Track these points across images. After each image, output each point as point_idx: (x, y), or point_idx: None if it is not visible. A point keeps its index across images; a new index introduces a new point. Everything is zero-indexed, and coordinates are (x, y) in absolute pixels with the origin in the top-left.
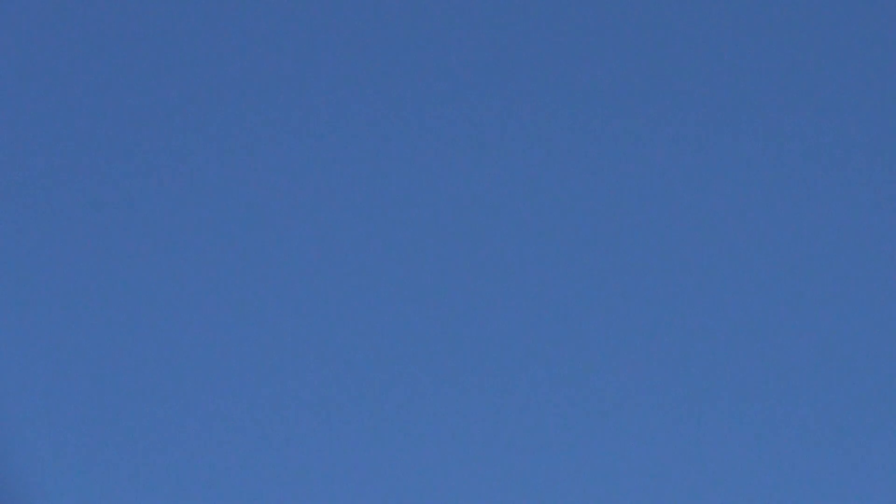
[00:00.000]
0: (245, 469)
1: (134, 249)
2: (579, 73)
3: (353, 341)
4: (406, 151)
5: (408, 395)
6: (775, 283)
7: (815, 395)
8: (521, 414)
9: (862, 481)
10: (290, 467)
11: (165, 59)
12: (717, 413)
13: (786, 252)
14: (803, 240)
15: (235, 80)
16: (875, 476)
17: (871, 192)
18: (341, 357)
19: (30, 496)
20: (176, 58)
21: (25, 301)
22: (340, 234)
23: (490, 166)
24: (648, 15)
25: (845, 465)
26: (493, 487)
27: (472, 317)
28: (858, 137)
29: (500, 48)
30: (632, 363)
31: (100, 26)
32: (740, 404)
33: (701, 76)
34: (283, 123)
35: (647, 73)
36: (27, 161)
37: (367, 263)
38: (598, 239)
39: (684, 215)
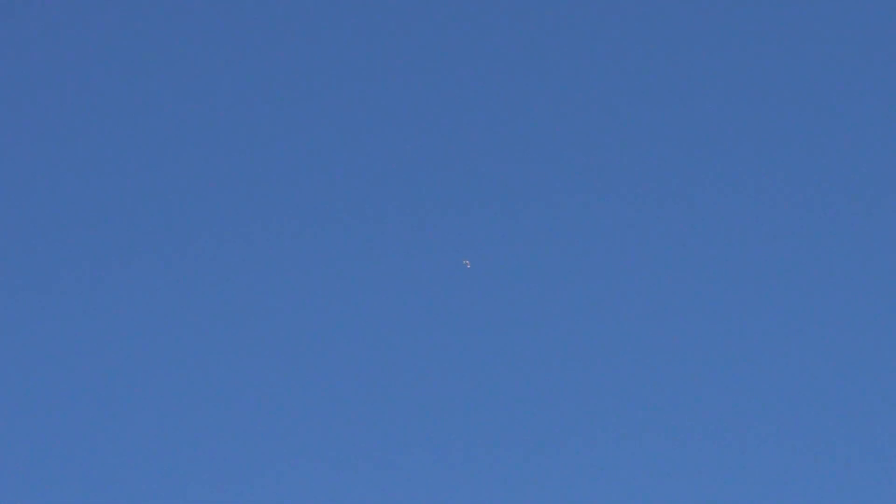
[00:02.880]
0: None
1: (133, 250)
2: (578, 77)
3: (352, 342)
4: (403, 154)
5: (408, 396)
6: (775, 285)
7: (813, 397)
8: (519, 415)
9: (861, 482)
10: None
11: (165, 60)
12: (716, 414)
13: (785, 255)
14: (802, 244)
15: (234, 81)
16: (875, 477)
17: (870, 193)
18: (340, 358)
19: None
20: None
21: (23, 301)
22: (339, 234)
23: (488, 167)
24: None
25: (844, 466)
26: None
27: (470, 319)
28: (858, 139)
29: (500, 51)
30: (630, 367)
31: (100, 27)
32: (739, 406)
33: (699, 79)
34: (282, 124)
35: (645, 76)
36: (27, 161)
37: (367, 262)
38: (595, 242)
39: (682, 218)
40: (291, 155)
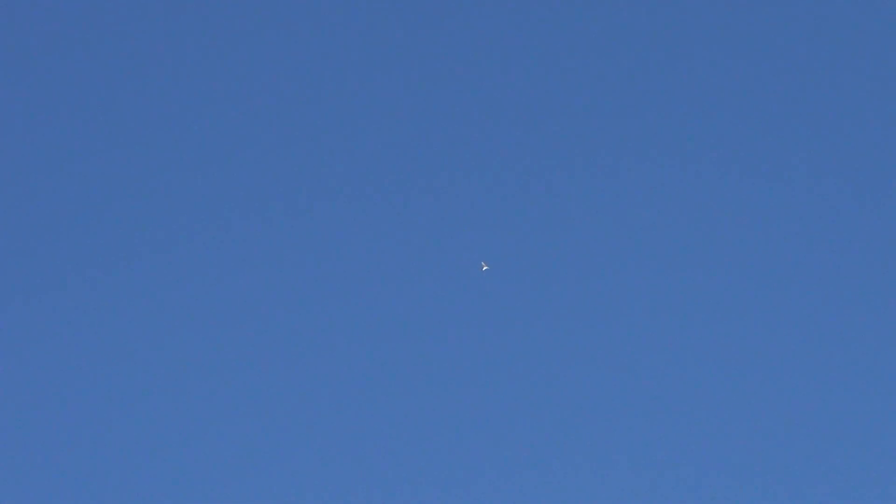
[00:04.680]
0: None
1: (134, 250)
2: (577, 80)
3: (351, 342)
4: (404, 153)
5: (408, 397)
6: (772, 285)
7: (813, 397)
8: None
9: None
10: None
11: (165, 61)
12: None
13: (784, 255)
14: (801, 243)
15: (234, 81)
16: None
17: (869, 193)
18: (340, 359)
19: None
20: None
21: (24, 301)
22: (339, 235)
23: (488, 169)
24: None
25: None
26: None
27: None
28: (856, 140)
29: (498, 53)
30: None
31: (101, 27)
32: (738, 406)
33: (698, 81)
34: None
35: (643, 79)
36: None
37: (366, 261)
38: (593, 241)
39: (679, 222)
40: (291, 157)
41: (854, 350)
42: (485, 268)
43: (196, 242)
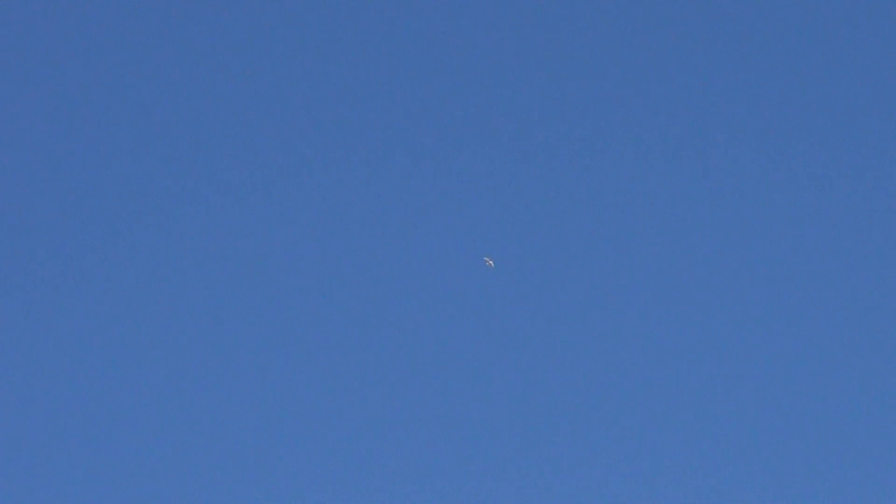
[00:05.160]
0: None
1: (134, 250)
2: (577, 79)
3: (350, 343)
4: (403, 153)
5: (408, 397)
6: (772, 284)
7: (812, 396)
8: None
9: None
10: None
11: (166, 61)
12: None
13: (783, 254)
14: (801, 243)
15: (235, 82)
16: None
17: (869, 192)
18: (340, 359)
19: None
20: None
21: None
22: (337, 233)
23: (487, 169)
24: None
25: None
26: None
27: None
28: (856, 139)
29: (499, 52)
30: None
31: (101, 27)
32: (738, 406)
33: (698, 79)
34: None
35: (643, 79)
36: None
37: (365, 263)
38: (593, 241)
39: (680, 220)
40: (290, 154)
41: (855, 350)
42: (490, 263)
43: (194, 239)
